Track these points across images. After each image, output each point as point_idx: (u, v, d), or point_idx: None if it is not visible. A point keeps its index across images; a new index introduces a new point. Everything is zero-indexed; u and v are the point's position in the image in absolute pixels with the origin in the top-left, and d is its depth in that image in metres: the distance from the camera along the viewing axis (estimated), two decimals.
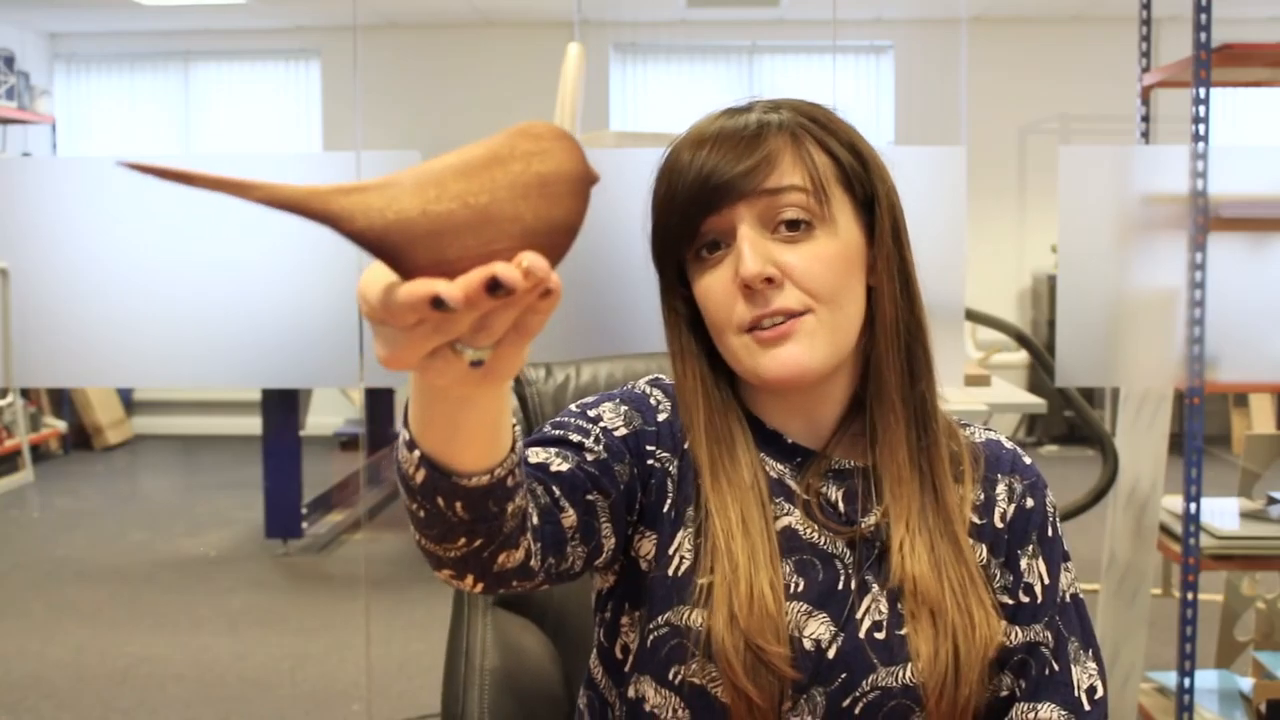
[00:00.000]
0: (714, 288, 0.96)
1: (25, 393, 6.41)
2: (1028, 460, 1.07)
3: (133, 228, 2.41)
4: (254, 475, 5.09)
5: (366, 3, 6.68)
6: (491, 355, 0.59)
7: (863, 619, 0.96)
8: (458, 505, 0.75)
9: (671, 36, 7.53)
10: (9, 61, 6.61)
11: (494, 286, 0.54)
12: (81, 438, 7.09)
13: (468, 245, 0.56)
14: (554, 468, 0.91)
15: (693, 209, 0.95)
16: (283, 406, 4.82)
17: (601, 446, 0.96)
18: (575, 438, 0.96)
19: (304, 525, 4.88)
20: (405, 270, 0.55)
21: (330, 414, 6.77)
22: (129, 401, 7.56)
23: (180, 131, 7.80)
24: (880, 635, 0.96)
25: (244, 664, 3.59)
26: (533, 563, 0.86)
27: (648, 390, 1.05)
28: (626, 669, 1.00)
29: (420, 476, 0.74)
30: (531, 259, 0.55)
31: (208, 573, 4.60)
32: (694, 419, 1.00)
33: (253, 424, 5.06)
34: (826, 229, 0.96)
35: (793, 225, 0.95)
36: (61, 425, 6.88)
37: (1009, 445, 1.07)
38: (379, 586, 4.35)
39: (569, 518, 0.90)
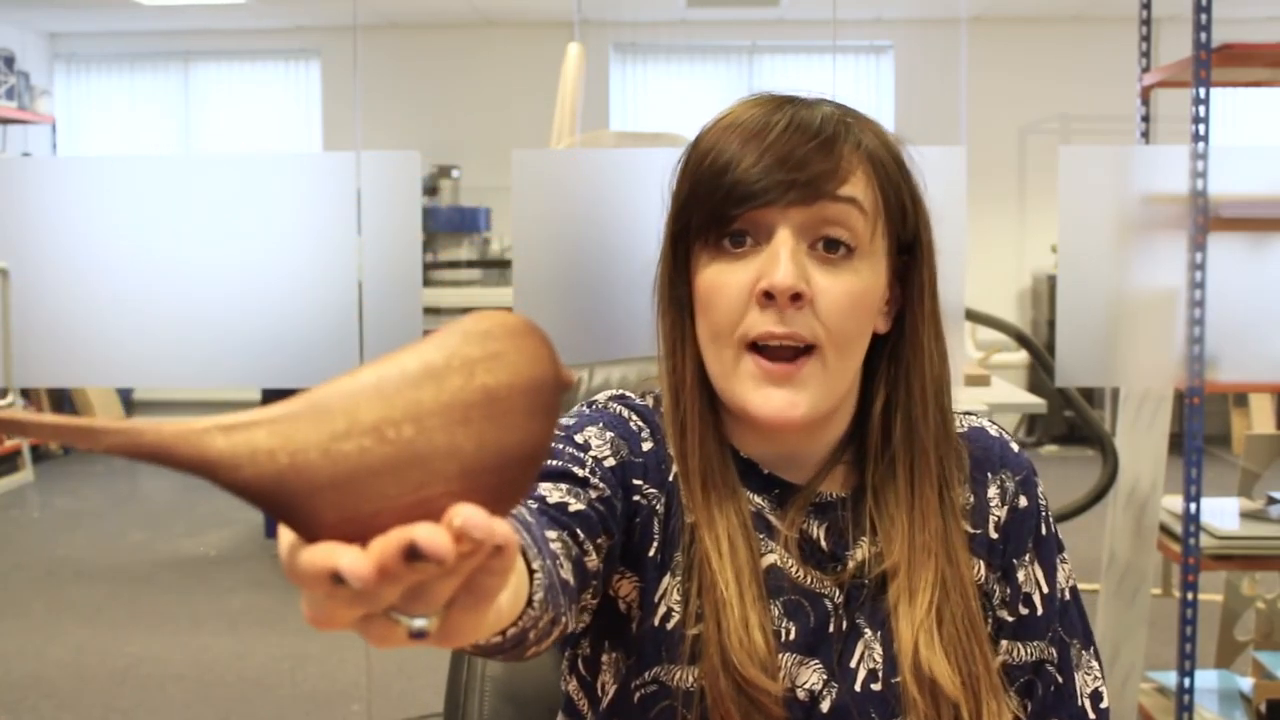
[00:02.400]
0: (728, 286, 0.88)
1: (25, 393, 6.41)
2: (1015, 448, 1.00)
3: (133, 228, 2.41)
4: None
5: (366, 3, 6.68)
6: (442, 621, 0.45)
7: (857, 668, 0.91)
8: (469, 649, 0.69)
9: (671, 36, 7.53)
10: (9, 61, 6.61)
11: (414, 555, 0.40)
12: None
13: (387, 494, 0.42)
14: (572, 508, 0.83)
15: (735, 195, 0.86)
16: None
17: (599, 479, 0.87)
18: (578, 471, 0.86)
19: None
20: (310, 530, 0.42)
21: None
22: (129, 401, 7.55)
23: (180, 131, 7.80)
24: (876, 686, 0.90)
25: (244, 664, 3.59)
26: (568, 629, 0.78)
27: (624, 413, 0.95)
28: (602, 708, 0.94)
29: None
30: (467, 516, 0.41)
31: (208, 573, 4.60)
32: (689, 419, 0.92)
33: None
34: (864, 261, 0.88)
35: (832, 246, 0.87)
36: None
37: (994, 432, 1.00)
38: None
39: (592, 561, 0.82)
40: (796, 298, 0.86)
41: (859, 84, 7.49)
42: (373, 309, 2.32)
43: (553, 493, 0.83)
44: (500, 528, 0.42)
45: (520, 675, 1.23)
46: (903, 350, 0.93)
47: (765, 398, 0.88)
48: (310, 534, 0.42)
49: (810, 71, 7.43)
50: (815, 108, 0.90)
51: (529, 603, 0.65)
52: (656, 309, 0.96)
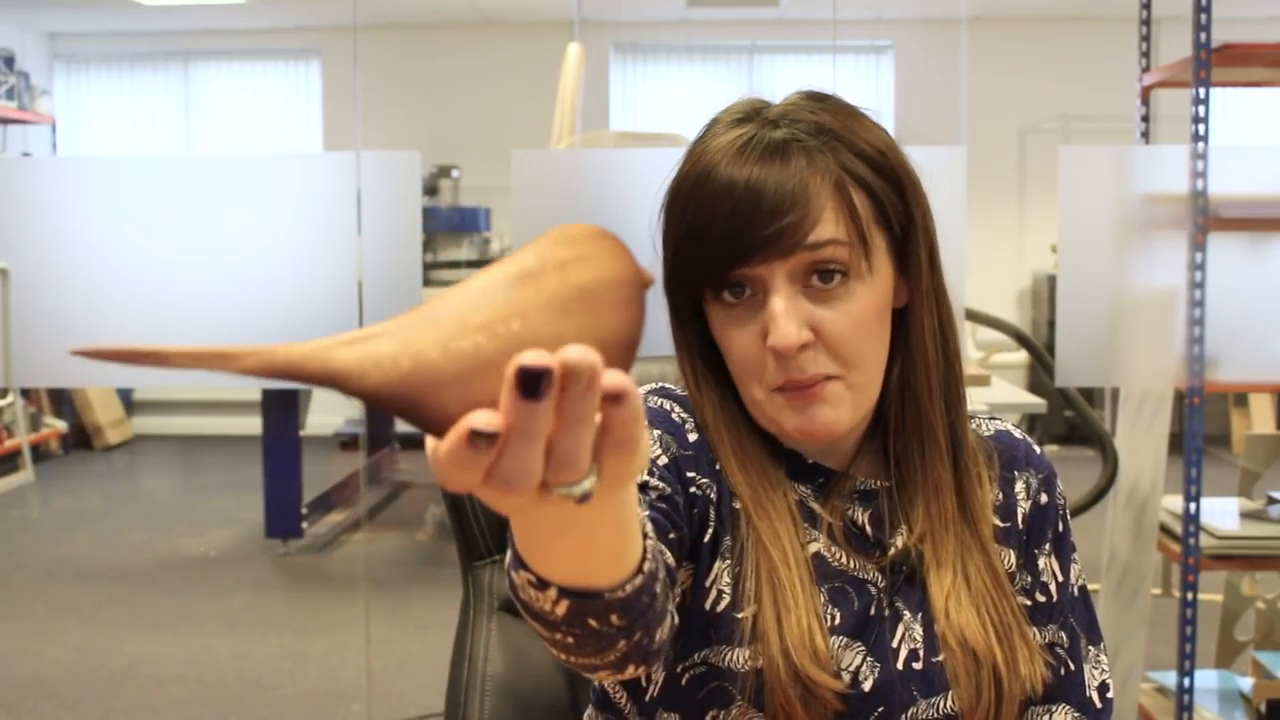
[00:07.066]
0: (740, 342, 0.91)
1: (25, 393, 6.41)
2: (1038, 450, 1.04)
3: (133, 228, 2.41)
4: (254, 475, 5.09)
5: (366, 3, 6.68)
6: (600, 478, 0.49)
7: (899, 648, 0.93)
8: (613, 618, 0.68)
9: (672, 36, 7.53)
10: (9, 61, 6.61)
11: (532, 385, 0.44)
12: (81, 438, 7.09)
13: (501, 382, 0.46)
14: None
15: (717, 262, 0.88)
16: (283, 406, 4.81)
17: (657, 478, 0.88)
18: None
19: (304, 525, 4.87)
20: (437, 425, 0.46)
21: (330, 414, 6.76)
22: (129, 401, 7.55)
23: (180, 131, 7.80)
24: (918, 665, 0.93)
25: (244, 664, 3.59)
26: (677, 620, 0.79)
27: (666, 405, 0.96)
28: (648, 698, 0.95)
29: (562, 609, 0.67)
30: (570, 351, 0.44)
31: (208, 573, 4.60)
32: (723, 449, 0.94)
33: (253, 424, 5.06)
34: (861, 279, 0.90)
35: (827, 276, 0.89)
36: (61, 425, 6.88)
37: (1019, 435, 1.04)
38: (379, 586, 4.35)
39: (669, 559, 0.82)
40: (804, 347, 0.88)
41: (859, 84, 7.49)
42: (373, 309, 2.32)
43: None
44: (612, 375, 0.45)
45: (521, 675, 1.23)
46: (905, 327, 0.95)
47: (807, 420, 0.91)
48: (439, 428, 0.46)
49: (810, 71, 7.43)
50: (774, 126, 0.90)
51: (644, 530, 0.68)
52: (674, 343, 0.98)
